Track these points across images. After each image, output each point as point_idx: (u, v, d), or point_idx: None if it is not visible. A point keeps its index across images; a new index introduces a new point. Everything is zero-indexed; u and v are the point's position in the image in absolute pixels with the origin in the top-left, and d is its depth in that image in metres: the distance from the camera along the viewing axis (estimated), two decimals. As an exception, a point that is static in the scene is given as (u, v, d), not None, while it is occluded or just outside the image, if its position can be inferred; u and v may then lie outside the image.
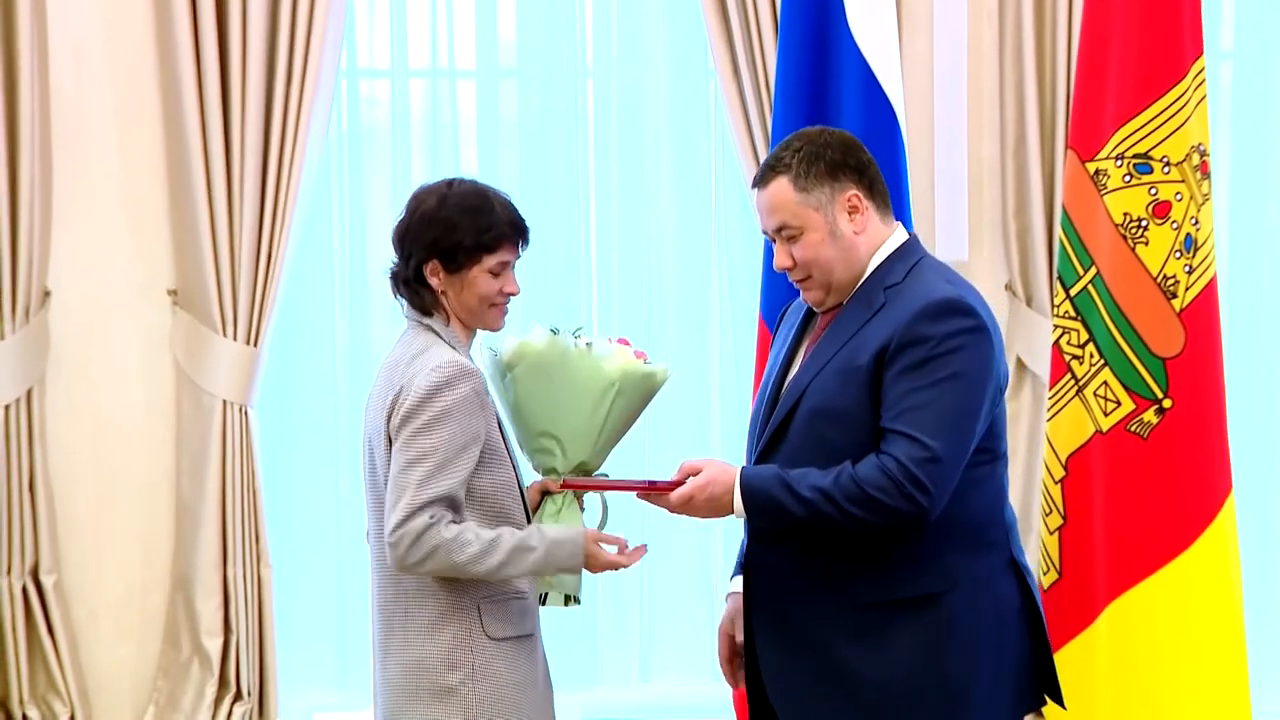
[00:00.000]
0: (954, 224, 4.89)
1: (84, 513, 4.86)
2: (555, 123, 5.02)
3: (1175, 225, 3.75)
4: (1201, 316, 3.75)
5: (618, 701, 5.06)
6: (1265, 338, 5.08)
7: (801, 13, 4.16)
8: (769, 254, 3.51)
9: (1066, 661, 3.70)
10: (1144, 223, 3.75)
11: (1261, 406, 5.04)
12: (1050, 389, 3.89)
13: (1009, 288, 4.93)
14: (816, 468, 2.92)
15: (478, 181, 3.11)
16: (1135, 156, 3.75)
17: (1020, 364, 4.90)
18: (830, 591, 2.98)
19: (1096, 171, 3.79)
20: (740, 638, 3.16)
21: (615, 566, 3.06)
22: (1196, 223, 3.75)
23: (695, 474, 2.99)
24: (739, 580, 3.17)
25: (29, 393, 4.76)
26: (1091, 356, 3.79)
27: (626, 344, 3.21)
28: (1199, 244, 3.75)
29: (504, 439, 3.08)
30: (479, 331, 3.13)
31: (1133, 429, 3.76)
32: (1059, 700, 3.14)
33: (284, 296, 4.82)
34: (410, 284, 3.08)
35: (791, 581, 3.02)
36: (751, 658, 3.11)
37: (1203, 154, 3.76)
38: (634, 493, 3.05)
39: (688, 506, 2.99)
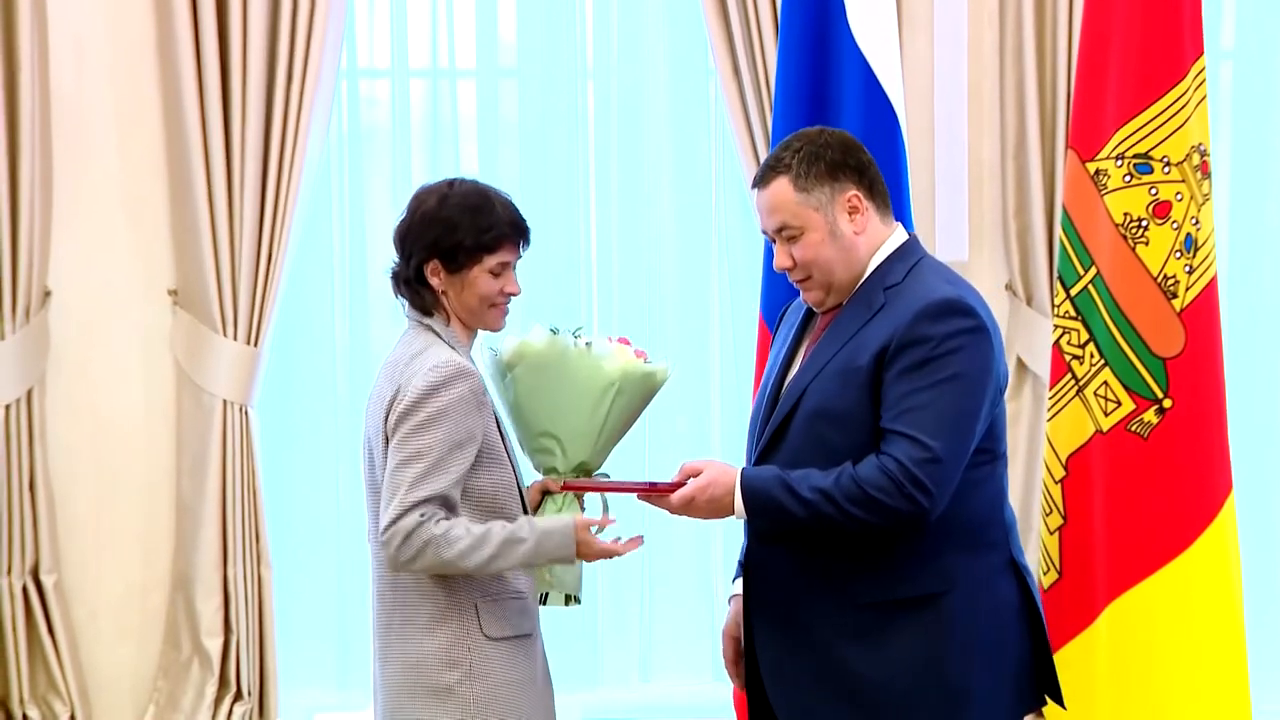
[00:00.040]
0: (954, 224, 4.89)
1: (84, 513, 4.86)
2: (555, 123, 5.02)
3: (1175, 225, 3.75)
4: (1202, 316, 3.75)
5: (618, 701, 5.06)
6: (1265, 338, 5.08)
7: (802, 13, 4.15)
8: (769, 254, 3.51)
9: (1066, 661, 3.70)
10: (1144, 223, 3.75)
11: (1261, 406, 5.04)
12: (1050, 389, 3.89)
13: (1009, 288, 4.93)
14: (816, 468, 2.92)
15: (479, 181, 3.11)
16: (1135, 156, 3.75)
17: (1020, 364, 4.90)
18: (830, 591, 2.98)
19: (1097, 171, 3.79)
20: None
21: (609, 554, 3.03)
22: (1197, 223, 3.75)
23: (696, 475, 2.99)
24: (740, 582, 3.17)
25: (29, 393, 4.76)
26: (1092, 356, 3.79)
27: (627, 343, 3.21)
28: (1199, 244, 3.75)
29: (504, 439, 3.08)
30: (479, 331, 3.13)
31: (1133, 429, 3.76)
32: (1059, 700, 3.14)
33: (284, 296, 4.82)
34: (411, 284, 3.08)
35: (791, 581, 3.02)
36: (751, 657, 3.11)
37: (1203, 154, 3.76)
38: (634, 494, 3.06)
39: (689, 508, 2.99)
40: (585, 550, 3.02)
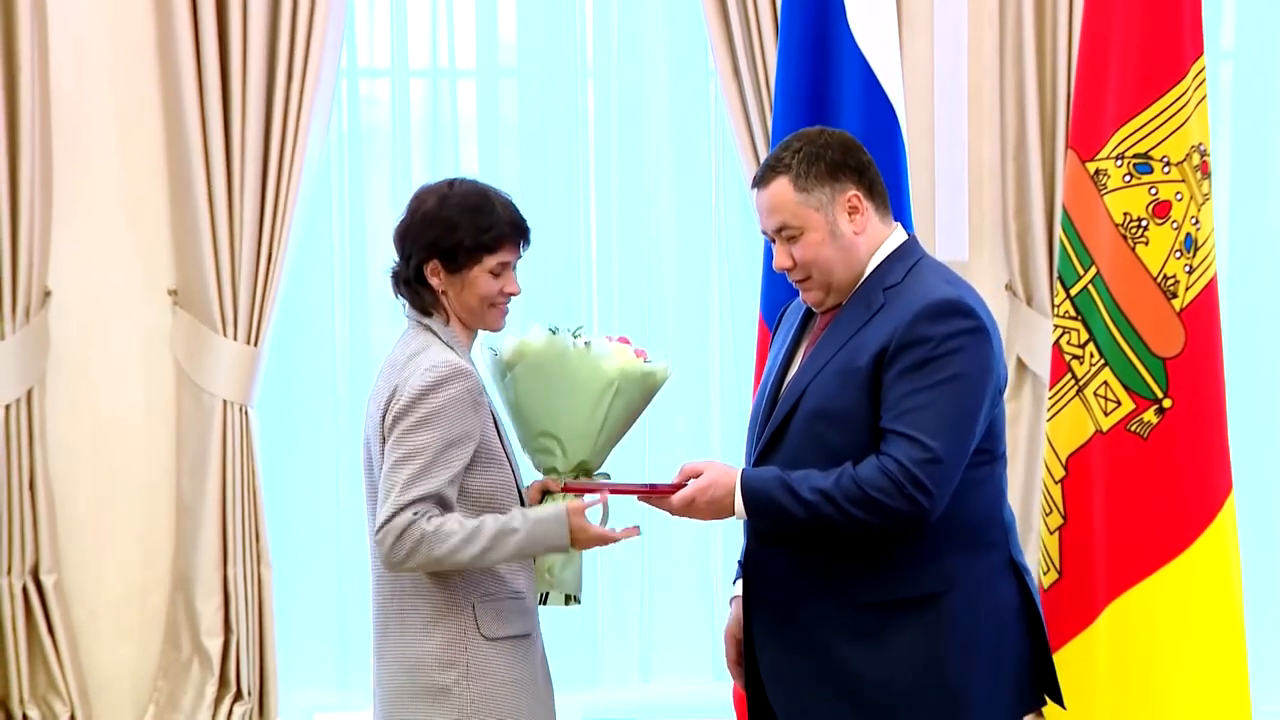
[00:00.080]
0: (954, 224, 4.89)
1: (84, 513, 4.86)
2: (555, 123, 5.02)
3: (1175, 225, 3.75)
4: (1201, 316, 3.75)
5: (618, 701, 5.06)
6: (1265, 338, 5.08)
7: (802, 13, 4.15)
8: (769, 254, 3.50)
9: (1066, 661, 3.70)
10: (1144, 222, 3.75)
11: (1261, 406, 5.04)
12: (1050, 389, 3.89)
13: (1009, 288, 4.93)
14: (816, 469, 2.92)
15: (479, 181, 3.11)
16: (1135, 156, 3.75)
17: (1020, 364, 4.90)
18: (830, 591, 2.98)
19: (1097, 171, 3.79)
20: (747, 640, 3.16)
21: (604, 541, 3.02)
22: (1197, 222, 3.75)
23: (696, 476, 2.99)
24: (740, 583, 3.17)
25: (29, 393, 4.75)
26: (1092, 356, 3.79)
27: (626, 343, 3.21)
28: (1199, 244, 3.75)
29: (502, 440, 3.08)
30: (479, 331, 3.13)
31: (1133, 429, 3.76)
32: (1059, 700, 3.14)
33: (284, 296, 4.82)
34: (411, 284, 3.08)
35: (791, 581, 3.02)
36: (751, 657, 3.11)
37: (1203, 154, 3.76)
38: (635, 496, 3.05)
39: (689, 509, 2.99)
40: (579, 536, 2.99)
